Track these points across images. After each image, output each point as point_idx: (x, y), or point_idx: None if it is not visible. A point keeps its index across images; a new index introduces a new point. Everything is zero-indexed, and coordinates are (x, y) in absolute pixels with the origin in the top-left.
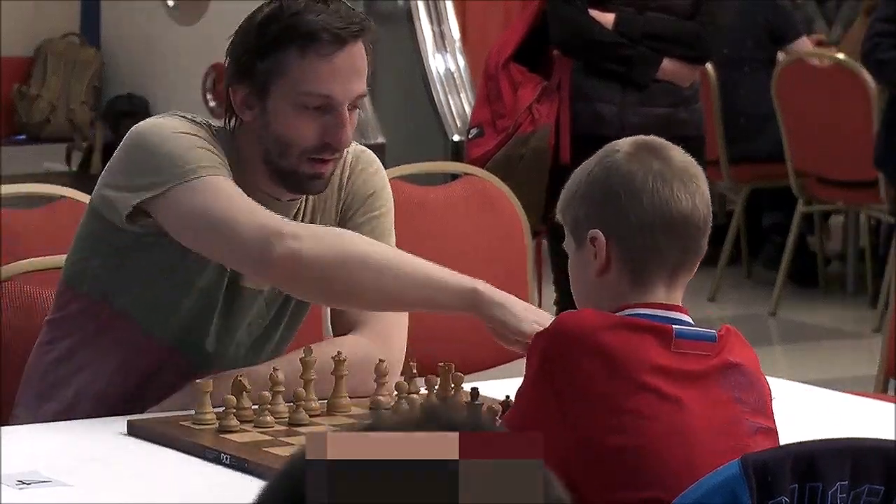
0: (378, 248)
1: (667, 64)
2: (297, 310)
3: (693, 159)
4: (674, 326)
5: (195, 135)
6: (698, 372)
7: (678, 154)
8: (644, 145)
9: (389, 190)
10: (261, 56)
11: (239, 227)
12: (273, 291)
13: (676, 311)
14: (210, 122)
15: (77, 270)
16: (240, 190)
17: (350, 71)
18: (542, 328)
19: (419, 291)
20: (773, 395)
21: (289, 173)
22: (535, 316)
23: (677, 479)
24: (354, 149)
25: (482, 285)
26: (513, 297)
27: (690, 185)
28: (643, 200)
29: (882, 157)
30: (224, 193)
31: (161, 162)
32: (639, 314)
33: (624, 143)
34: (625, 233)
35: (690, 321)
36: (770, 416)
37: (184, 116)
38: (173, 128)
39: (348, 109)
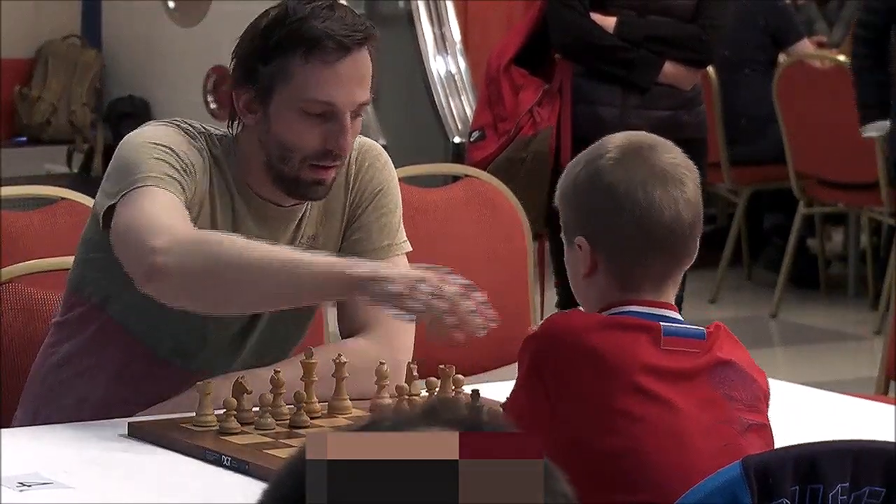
0: (251, 251)
1: (668, 67)
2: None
3: (685, 158)
4: (662, 324)
5: (164, 145)
6: (688, 370)
7: (667, 156)
8: (632, 148)
9: (397, 183)
10: (264, 60)
11: (134, 242)
12: None
13: (664, 307)
14: (213, 129)
15: (79, 275)
16: (170, 202)
17: (353, 78)
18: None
19: (294, 287)
20: (771, 392)
21: (290, 179)
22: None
23: (671, 482)
24: (360, 145)
25: (347, 265)
26: (383, 268)
27: (675, 190)
28: (625, 215)
29: None
30: (146, 204)
31: (121, 171)
32: (627, 312)
33: (613, 145)
34: (609, 245)
35: (679, 318)
36: (762, 411)
37: (178, 125)
38: (148, 137)
39: (351, 117)
